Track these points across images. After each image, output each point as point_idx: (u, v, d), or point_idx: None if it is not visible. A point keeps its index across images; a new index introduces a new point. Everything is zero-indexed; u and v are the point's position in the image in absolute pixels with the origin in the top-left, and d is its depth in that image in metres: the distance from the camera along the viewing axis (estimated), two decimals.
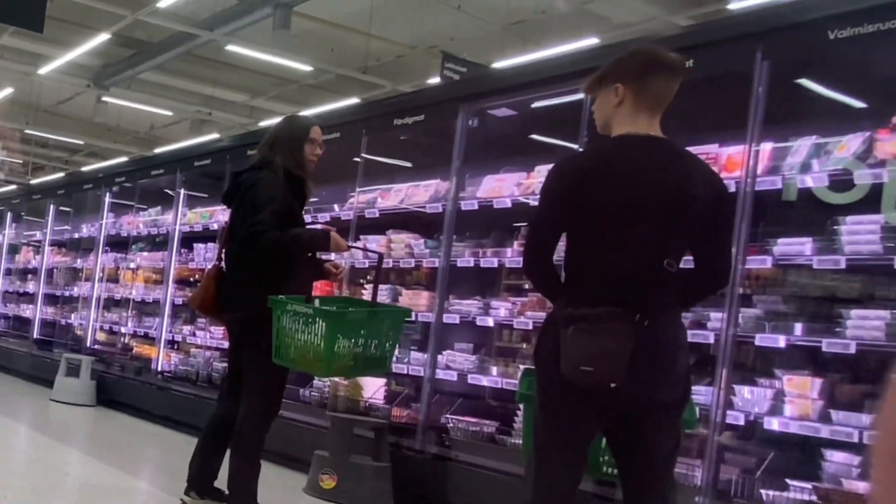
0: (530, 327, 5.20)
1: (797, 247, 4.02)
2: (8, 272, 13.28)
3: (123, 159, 14.24)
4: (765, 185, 4.13)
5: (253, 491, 4.23)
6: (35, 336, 11.65)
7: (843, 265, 3.86)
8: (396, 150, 6.91)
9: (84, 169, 17.89)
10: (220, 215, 7.85)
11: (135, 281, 9.69)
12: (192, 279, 8.63)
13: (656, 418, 2.69)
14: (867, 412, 3.70)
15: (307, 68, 14.77)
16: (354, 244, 5.89)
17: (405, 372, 5.83)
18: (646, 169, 2.71)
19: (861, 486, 3.60)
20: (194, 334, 8.33)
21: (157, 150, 15.92)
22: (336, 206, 6.70)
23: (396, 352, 4.88)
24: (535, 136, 6.14)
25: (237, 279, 4.31)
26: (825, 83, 4.35)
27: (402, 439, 5.46)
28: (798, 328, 3.97)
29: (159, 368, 8.59)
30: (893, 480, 0.89)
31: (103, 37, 13.79)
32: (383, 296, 5.90)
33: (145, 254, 9.63)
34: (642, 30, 10.81)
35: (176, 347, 8.77)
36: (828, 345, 3.83)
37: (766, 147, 4.17)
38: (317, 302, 4.12)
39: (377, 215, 6.32)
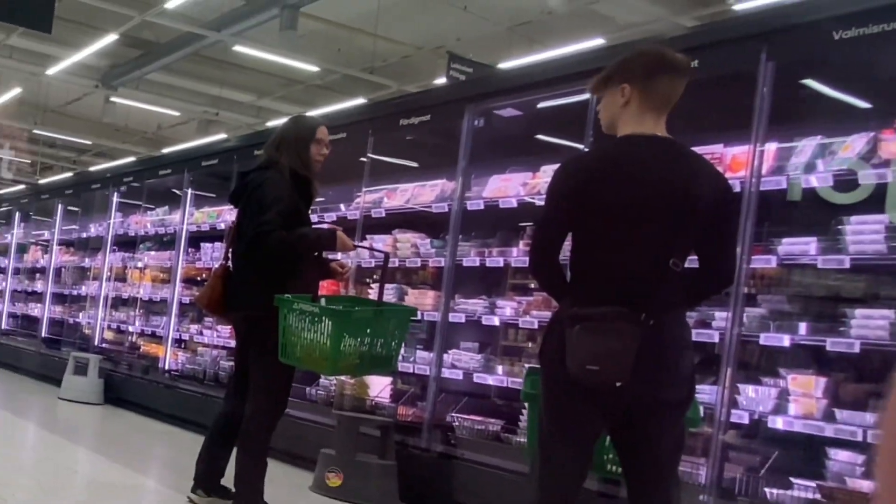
0: (536, 326, 5.22)
1: (802, 246, 4.03)
2: (16, 271, 13.32)
3: (131, 159, 14.26)
4: (769, 185, 4.14)
5: (259, 489, 4.24)
6: (43, 335, 11.69)
7: (847, 265, 3.87)
8: (402, 150, 6.92)
9: (92, 169, 17.94)
10: (227, 215, 7.87)
11: (142, 280, 9.72)
12: (199, 278, 8.67)
13: (661, 417, 2.71)
14: (871, 411, 3.70)
15: (314, 69, 14.78)
16: (360, 244, 5.90)
17: (411, 371, 5.86)
18: (651, 169, 2.72)
19: (865, 485, 3.60)
20: (201, 333, 8.36)
21: (165, 150, 15.94)
22: (342, 206, 6.71)
23: (402, 351, 4.90)
24: (540, 137, 6.14)
25: (244, 278, 4.34)
26: (830, 83, 4.36)
27: (407, 438, 5.48)
28: (802, 327, 3.97)
29: (166, 367, 8.61)
30: None
31: (111, 37, 13.82)
32: (389, 295, 5.91)
33: (153, 253, 9.65)
34: (647, 30, 10.80)
35: (183, 346, 8.80)
36: (832, 344, 3.84)
37: (771, 147, 4.18)
38: (323, 301, 4.13)
39: (383, 215, 6.33)
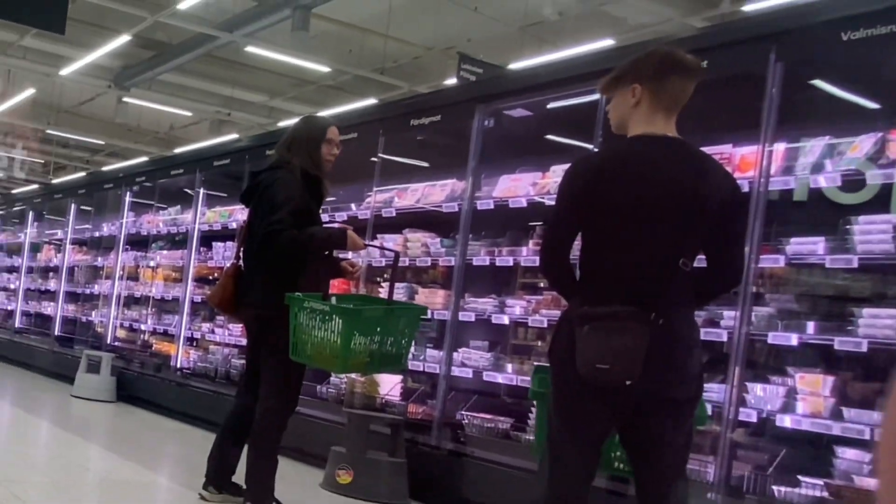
0: (545, 325, 5.23)
1: (810, 246, 4.03)
2: (30, 270, 13.39)
3: (144, 159, 14.32)
4: (778, 185, 4.16)
5: (270, 486, 4.27)
6: (56, 333, 11.75)
7: (855, 264, 3.88)
8: (413, 150, 6.92)
9: (105, 169, 18.01)
10: (238, 214, 7.90)
11: (154, 279, 9.76)
12: (210, 277, 8.69)
13: (669, 415, 2.72)
14: (879, 410, 3.71)
15: (325, 69, 14.80)
16: (371, 243, 5.93)
17: (421, 369, 5.87)
18: (661, 169, 2.74)
19: (872, 484, 3.61)
20: (213, 331, 8.40)
21: (177, 150, 16.04)
22: (353, 206, 6.74)
23: (412, 349, 4.92)
24: (550, 137, 6.15)
25: (255, 277, 4.37)
26: (838, 84, 4.36)
27: (417, 435, 5.49)
28: (810, 327, 3.98)
29: (178, 365, 8.65)
30: None
31: (124, 38, 13.86)
32: (400, 294, 5.93)
33: (165, 252, 9.68)
34: (657, 31, 10.79)
35: (195, 344, 8.83)
36: (840, 343, 3.84)
37: (780, 147, 4.19)
38: (333, 299, 4.15)
39: (394, 214, 6.35)
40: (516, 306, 5.49)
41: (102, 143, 22.36)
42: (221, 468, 4.55)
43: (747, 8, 9.31)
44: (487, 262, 5.61)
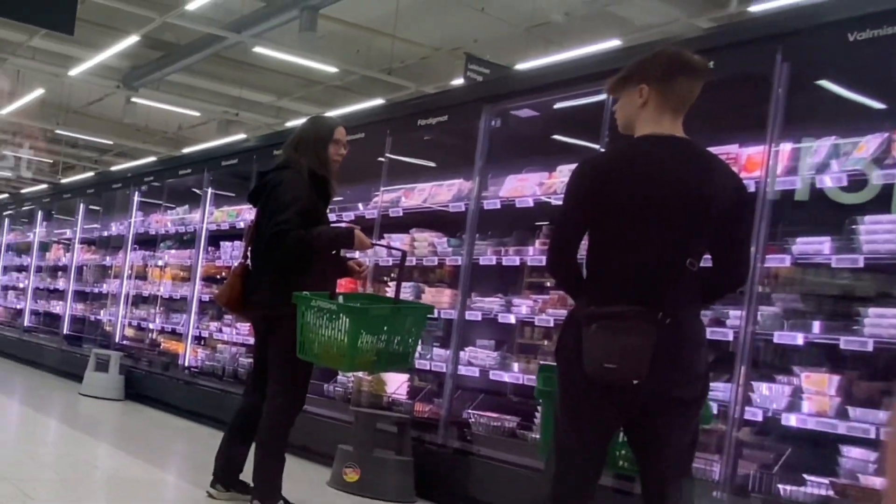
0: (551, 324, 5.25)
1: (816, 246, 4.04)
2: (39, 269, 13.44)
3: (152, 159, 14.33)
4: (784, 185, 4.17)
5: (277, 484, 4.29)
6: (65, 332, 11.79)
7: (861, 264, 3.89)
8: (420, 150, 6.93)
9: (113, 168, 18.05)
10: (246, 214, 7.92)
11: (162, 278, 9.78)
12: (218, 276, 8.70)
13: (675, 414, 2.73)
14: (884, 409, 3.72)
15: (333, 70, 14.82)
16: (378, 242, 5.95)
17: (428, 368, 5.89)
18: (668, 169, 2.74)
19: (878, 482, 3.62)
20: (221, 330, 8.42)
21: (185, 150, 16.07)
22: (360, 205, 6.75)
23: (419, 348, 4.94)
24: (557, 137, 6.15)
25: (263, 276, 4.39)
26: (844, 85, 4.36)
27: (424, 434, 5.51)
28: (816, 326, 3.99)
29: (186, 364, 8.68)
30: None
31: (132, 39, 13.90)
32: (406, 293, 5.95)
33: (173, 251, 9.71)
34: (664, 32, 10.79)
35: (203, 343, 8.85)
36: (845, 342, 3.85)
37: (786, 147, 4.20)
38: (340, 298, 4.17)
39: (401, 214, 6.37)
40: (523, 305, 5.50)
41: (111, 143, 22.43)
42: (229, 466, 4.57)
43: (754, 8, 9.31)
44: (494, 262, 5.63)
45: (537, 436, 4.86)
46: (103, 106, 19.04)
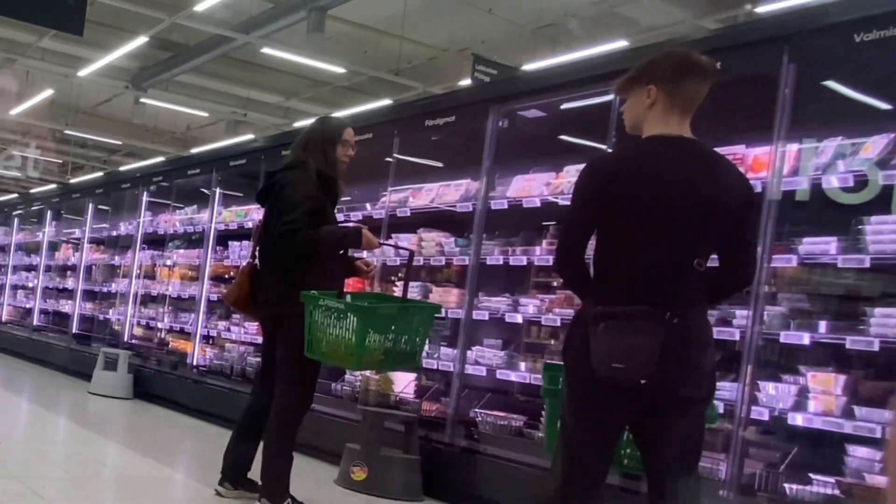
0: (558, 324, 5.26)
1: (822, 246, 4.05)
2: (48, 269, 13.49)
3: (160, 159, 14.39)
4: (790, 185, 4.18)
5: (285, 482, 4.30)
6: (74, 331, 11.83)
7: (867, 264, 3.90)
8: (428, 150, 6.95)
9: (122, 168, 18.08)
10: (254, 214, 7.95)
11: (171, 277, 9.81)
12: (226, 276, 8.73)
13: (682, 413, 2.74)
14: (890, 408, 3.73)
15: (341, 70, 14.84)
16: (386, 241, 5.96)
17: (435, 367, 5.91)
18: (676, 170, 2.75)
19: (883, 481, 3.63)
20: (229, 330, 8.44)
21: (194, 151, 16.10)
22: (368, 205, 6.77)
23: (426, 347, 4.95)
24: (564, 137, 6.17)
25: (271, 276, 4.40)
26: (851, 85, 4.36)
27: (431, 433, 5.52)
28: (822, 326, 4.00)
29: (194, 363, 8.70)
30: None
31: (141, 40, 13.93)
32: (414, 293, 5.95)
33: (181, 251, 9.74)
34: (670, 33, 10.78)
35: (211, 342, 8.88)
36: (851, 342, 3.86)
37: (792, 148, 4.21)
38: (348, 298, 4.17)
39: (408, 214, 6.39)
40: (530, 305, 5.51)
41: (120, 143, 22.48)
42: (237, 464, 4.58)
43: (760, 9, 9.30)
44: (501, 262, 5.64)
45: (543, 434, 4.87)
46: (112, 106, 19.08)
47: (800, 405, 4.03)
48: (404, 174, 6.65)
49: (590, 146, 5.69)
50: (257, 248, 4.58)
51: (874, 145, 3.96)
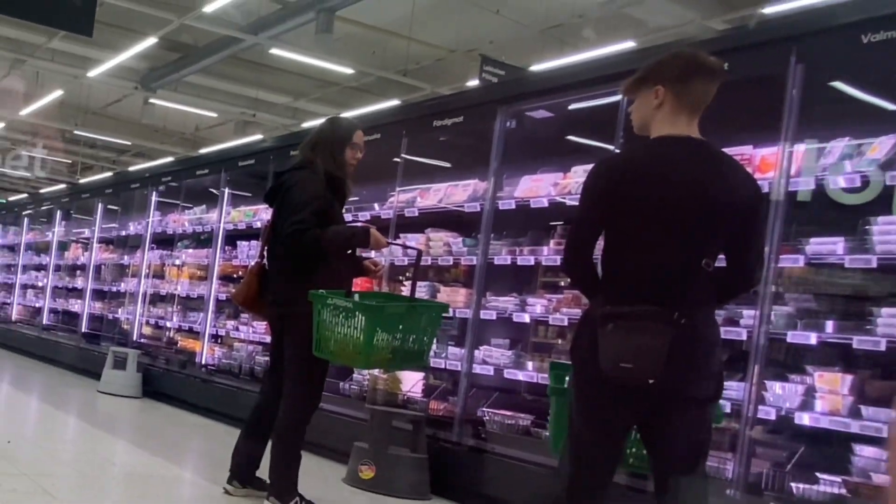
0: (566, 323, 5.28)
1: (829, 246, 4.06)
2: (57, 268, 13.56)
3: (169, 159, 14.45)
4: (797, 186, 4.19)
5: (294, 480, 4.32)
6: (83, 330, 11.90)
7: (874, 264, 3.90)
8: (435, 150, 6.95)
9: (131, 169, 18.17)
10: (263, 214, 7.97)
11: (180, 277, 9.84)
12: (235, 276, 8.76)
13: (689, 413, 2.75)
14: (894, 408, 3.73)
15: (349, 71, 14.86)
16: (394, 241, 5.97)
17: (443, 366, 5.91)
18: (684, 170, 2.76)
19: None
20: (237, 329, 8.47)
21: (203, 151, 16.19)
22: (376, 205, 6.79)
23: (434, 346, 4.95)
24: (571, 138, 6.17)
25: (279, 276, 4.42)
26: (858, 86, 4.36)
27: (439, 431, 5.53)
28: (829, 326, 4.01)
29: (203, 362, 8.73)
30: None
31: (150, 41, 13.97)
32: (422, 292, 5.96)
33: (190, 251, 9.77)
34: (678, 33, 10.77)
35: (219, 342, 8.91)
36: (858, 342, 3.87)
37: (800, 148, 4.21)
38: (356, 297, 4.19)
39: (416, 214, 6.40)
40: (537, 305, 5.53)
41: (129, 143, 22.55)
42: (245, 463, 4.59)
43: (768, 10, 9.29)
44: (509, 262, 5.66)
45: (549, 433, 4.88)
46: (121, 107, 19.15)
47: (807, 405, 4.03)
48: (412, 174, 6.66)
49: (597, 147, 5.70)
50: (266, 247, 4.58)
51: (881, 146, 3.97)
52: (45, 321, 13.39)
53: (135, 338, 10.39)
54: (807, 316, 4.13)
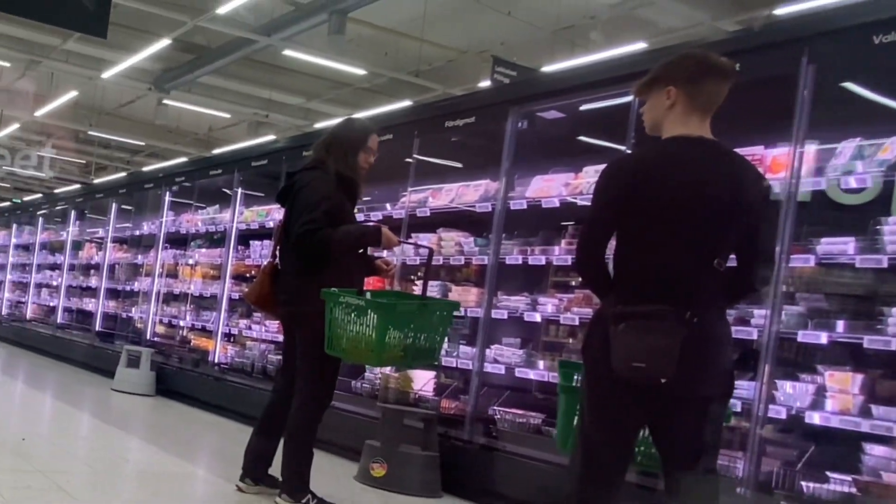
0: (577, 323, 5.28)
1: (840, 246, 4.06)
2: (72, 267, 13.63)
3: (183, 160, 14.49)
4: (809, 186, 4.19)
5: (305, 478, 4.33)
6: (97, 328, 11.96)
7: (885, 264, 3.90)
8: (447, 150, 6.96)
9: (145, 169, 18.24)
10: (275, 214, 7.99)
11: (193, 276, 9.87)
12: (248, 275, 8.79)
13: (701, 411, 2.75)
14: None
15: (361, 72, 14.90)
16: (406, 240, 5.99)
17: (454, 365, 5.92)
18: (697, 170, 2.77)
19: None
20: (250, 328, 8.49)
21: (216, 151, 16.25)
22: (388, 205, 6.80)
23: (446, 345, 4.96)
24: (582, 138, 6.17)
25: (291, 275, 4.43)
26: (869, 87, 4.36)
27: (450, 430, 5.54)
28: (840, 325, 4.00)
29: (216, 360, 8.77)
30: None
31: (164, 42, 14.05)
32: (433, 292, 5.98)
33: (203, 250, 9.81)
34: (689, 35, 10.77)
35: (232, 340, 8.93)
36: (869, 342, 3.87)
37: (811, 149, 4.22)
38: (368, 295, 4.19)
39: (428, 214, 6.42)
40: (548, 304, 5.54)
41: (143, 144, 22.65)
42: (258, 460, 4.61)
43: (779, 11, 9.28)
44: (520, 261, 5.67)
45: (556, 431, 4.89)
46: (135, 108, 19.24)
47: (817, 404, 4.03)
48: (424, 174, 6.67)
49: (609, 147, 5.70)
50: (278, 247, 4.60)
51: (892, 146, 3.97)
52: (59, 320, 13.47)
53: (148, 336, 10.43)
54: (817, 315, 4.13)
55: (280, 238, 4.58)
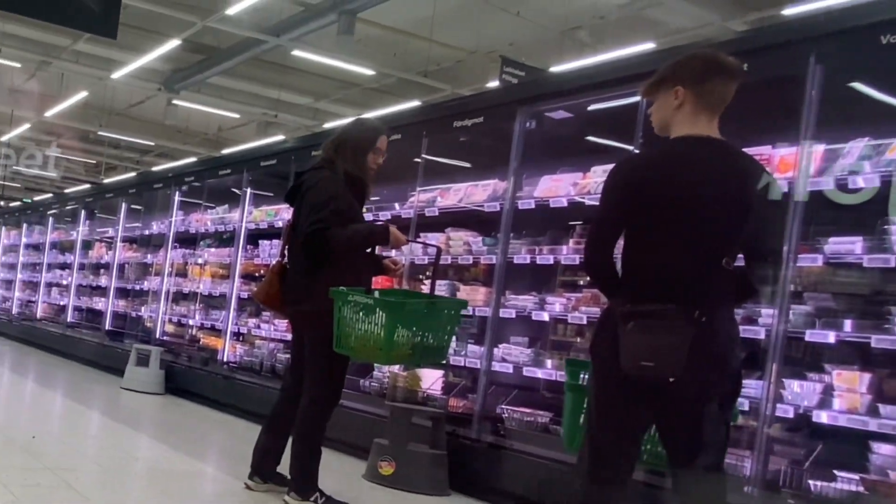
0: (584, 322, 5.29)
1: (848, 245, 4.06)
2: (82, 267, 13.69)
3: (192, 160, 14.55)
4: (816, 185, 4.19)
5: (314, 476, 4.35)
6: (107, 327, 12.00)
7: (892, 264, 3.89)
8: (456, 150, 6.97)
9: (154, 169, 18.31)
10: (284, 213, 8.01)
11: (202, 276, 9.90)
12: (257, 274, 8.83)
13: (708, 410, 2.76)
14: None
15: (370, 72, 14.92)
16: (413, 239, 6.00)
17: (462, 364, 5.94)
18: (705, 170, 2.78)
19: None
20: (259, 327, 8.52)
21: (225, 151, 16.30)
22: (397, 205, 6.82)
23: (454, 344, 4.97)
24: (591, 138, 6.18)
25: (300, 274, 4.43)
26: (877, 87, 4.35)
27: (458, 428, 5.55)
28: (847, 324, 4.01)
29: (225, 359, 8.80)
30: None
31: (174, 43, 14.11)
32: (442, 291, 5.99)
33: (212, 250, 9.82)
34: (697, 35, 10.77)
35: (241, 339, 8.96)
36: (876, 341, 3.87)
37: (819, 149, 4.22)
38: (376, 294, 4.21)
39: (436, 214, 6.43)
40: (556, 303, 5.55)
41: (152, 144, 22.73)
42: (266, 459, 4.62)
43: (787, 11, 9.27)
44: (528, 261, 5.68)
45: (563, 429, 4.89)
46: (145, 108, 19.30)
47: (825, 403, 4.04)
48: (433, 174, 6.68)
49: (617, 147, 5.71)
50: (286, 246, 4.61)
51: None
52: (69, 319, 13.52)
53: (158, 335, 10.47)
54: (825, 315, 4.13)
55: (289, 237, 4.58)
